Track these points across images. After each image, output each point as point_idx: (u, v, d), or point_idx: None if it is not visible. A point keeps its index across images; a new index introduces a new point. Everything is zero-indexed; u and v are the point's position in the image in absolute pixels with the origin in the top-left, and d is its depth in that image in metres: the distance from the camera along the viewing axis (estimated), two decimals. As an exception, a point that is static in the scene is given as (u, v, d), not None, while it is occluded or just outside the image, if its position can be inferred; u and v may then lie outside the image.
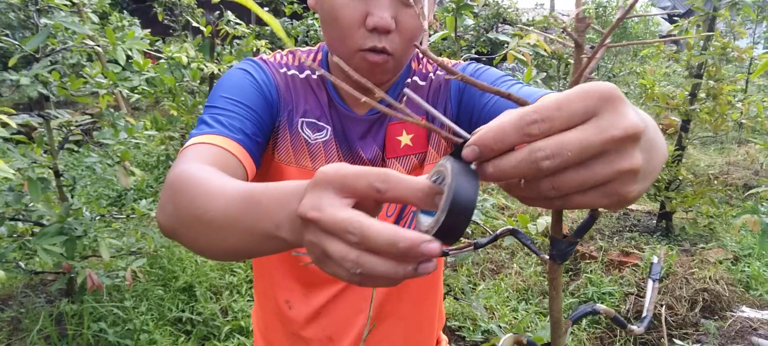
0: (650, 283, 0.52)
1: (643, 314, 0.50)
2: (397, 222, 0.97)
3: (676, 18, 4.98)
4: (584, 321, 2.82)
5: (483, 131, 0.37)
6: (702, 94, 3.59)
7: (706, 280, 3.03)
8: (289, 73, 0.93)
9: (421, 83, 0.96)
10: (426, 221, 0.40)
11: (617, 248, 3.53)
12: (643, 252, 3.40)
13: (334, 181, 0.40)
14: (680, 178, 3.67)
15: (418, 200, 0.40)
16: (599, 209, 0.40)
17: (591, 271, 3.33)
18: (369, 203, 0.42)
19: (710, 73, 3.50)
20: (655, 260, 0.53)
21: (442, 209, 0.37)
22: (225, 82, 0.87)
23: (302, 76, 0.93)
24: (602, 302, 3.03)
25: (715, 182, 4.81)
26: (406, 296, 1.03)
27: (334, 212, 0.39)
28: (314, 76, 0.93)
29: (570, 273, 3.47)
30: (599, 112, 0.35)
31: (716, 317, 2.89)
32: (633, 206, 4.41)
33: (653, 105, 3.85)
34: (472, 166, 0.38)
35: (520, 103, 0.40)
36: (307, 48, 0.99)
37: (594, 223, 0.43)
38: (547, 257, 0.46)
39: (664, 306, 2.92)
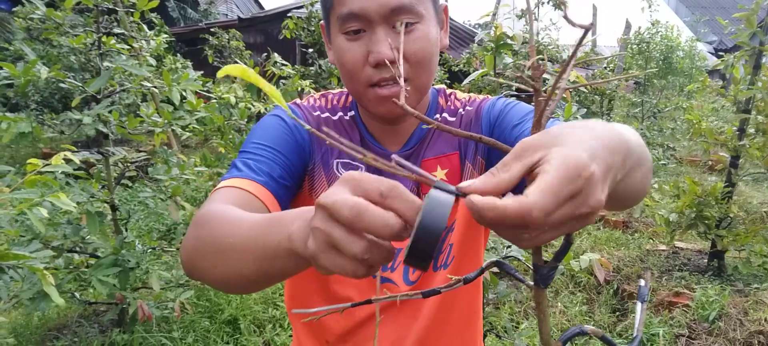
0: (639, 305, 0.54)
1: (634, 335, 0.52)
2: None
3: (721, 53, 4.88)
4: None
5: (486, 205, 0.40)
6: (751, 130, 3.49)
7: (761, 322, 2.90)
8: (323, 116, 0.98)
9: (451, 119, 0.99)
10: None
11: (666, 288, 3.42)
12: (694, 292, 3.28)
13: (352, 180, 0.46)
14: (731, 215, 3.54)
15: (411, 215, 0.43)
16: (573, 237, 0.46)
17: (638, 311, 3.23)
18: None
19: (759, 108, 3.40)
20: (642, 282, 0.55)
21: (412, 231, 0.42)
22: (258, 128, 0.91)
23: (335, 118, 0.98)
24: (651, 345, 2.93)
25: (770, 220, 4.62)
26: (447, 329, 1.04)
27: (343, 196, 0.44)
28: (346, 117, 0.98)
29: (617, 313, 3.37)
30: (580, 192, 0.41)
31: (774, 361, 2.76)
32: (682, 245, 4.27)
33: (701, 140, 3.76)
34: (451, 199, 0.41)
35: (503, 150, 0.47)
36: (338, 90, 1.04)
37: (570, 248, 0.47)
38: (532, 283, 0.48)
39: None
